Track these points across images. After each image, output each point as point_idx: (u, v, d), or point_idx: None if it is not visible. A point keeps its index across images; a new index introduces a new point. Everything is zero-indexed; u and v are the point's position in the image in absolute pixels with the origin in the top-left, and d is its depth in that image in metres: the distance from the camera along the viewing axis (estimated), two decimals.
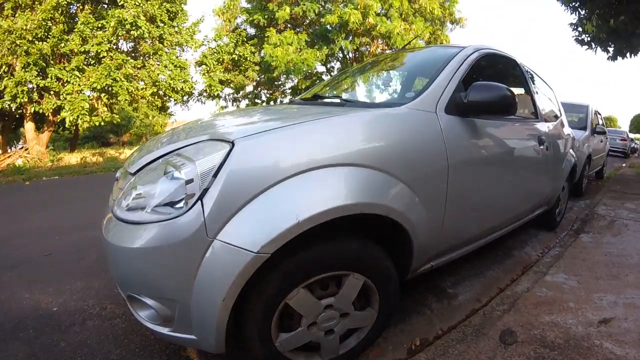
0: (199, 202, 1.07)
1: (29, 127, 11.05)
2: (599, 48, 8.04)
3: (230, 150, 1.10)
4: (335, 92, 2.24)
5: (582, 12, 7.84)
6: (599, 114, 6.97)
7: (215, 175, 1.08)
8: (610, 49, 7.97)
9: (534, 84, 2.85)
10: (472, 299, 2.02)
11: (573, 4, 7.77)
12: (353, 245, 1.28)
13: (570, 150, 3.41)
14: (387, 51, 15.10)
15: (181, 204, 1.10)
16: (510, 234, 2.51)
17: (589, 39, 7.98)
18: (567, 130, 3.44)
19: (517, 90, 2.68)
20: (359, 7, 13.03)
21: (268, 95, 18.00)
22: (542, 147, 2.41)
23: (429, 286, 2.13)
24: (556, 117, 3.22)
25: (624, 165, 11.85)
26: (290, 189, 1.11)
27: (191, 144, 1.23)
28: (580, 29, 7.97)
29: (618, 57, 7.94)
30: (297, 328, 1.27)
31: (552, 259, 2.58)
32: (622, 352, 1.49)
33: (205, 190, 1.07)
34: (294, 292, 1.19)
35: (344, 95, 2.14)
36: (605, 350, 1.50)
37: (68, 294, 2.11)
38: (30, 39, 9.09)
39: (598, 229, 3.36)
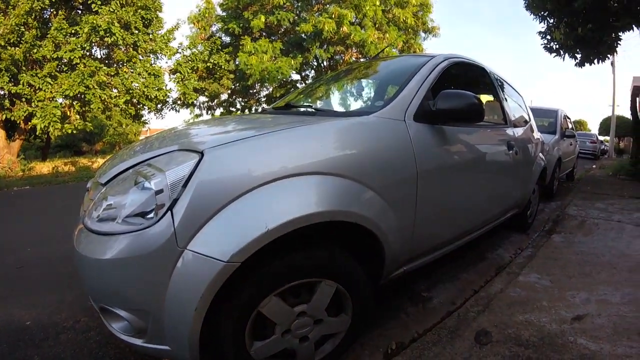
0: (169, 212, 1.07)
1: (0, 135, 10.69)
2: (567, 55, 8.36)
3: (200, 160, 1.11)
4: (307, 101, 2.27)
5: (551, 21, 8.16)
6: (568, 118, 7.22)
7: (184, 185, 1.08)
8: (578, 56, 8.30)
9: (503, 90, 2.95)
10: (447, 301, 2.05)
11: (542, 13, 8.07)
12: (324, 252, 1.30)
13: (540, 154, 3.53)
14: (361, 59, 15.32)
15: (152, 214, 1.10)
16: (482, 236, 2.57)
17: (557, 46, 8.29)
18: (536, 134, 3.56)
19: (487, 97, 2.77)
20: (333, 16, 13.17)
21: (243, 104, 17.94)
22: (511, 151, 2.50)
23: (404, 290, 2.16)
24: (525, 122, 3.33)
25: (594, 166, 12.30)
26: (259, 198, 1.13)
27: (162, 154, 1.23)
28: (548, 37, 8.27)
29: (585, 63, 8.27)
30: (271, 336, 1.27)
31: (525, 260, 2.65)
32: (596, 347, 1.53)
33: (175, 201, 1.08)
34: (267, 300, 1.20)
35: (316, 104, 2.17)
36: (579, 346, 1.54)
37: (41, 308, 2.06)
38: (3, 44, 8.84)
39: (569, 229, 3.47)
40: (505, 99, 2.90)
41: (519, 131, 2.87)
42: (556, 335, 1.63)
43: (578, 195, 5.44)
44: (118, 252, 1.10)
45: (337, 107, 2.22)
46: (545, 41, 8.41)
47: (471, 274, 2.45)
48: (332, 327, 1.41)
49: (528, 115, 3.54)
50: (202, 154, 1.13)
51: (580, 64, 8.37)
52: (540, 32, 8.44)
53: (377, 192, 1.38)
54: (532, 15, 8.26)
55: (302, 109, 2.02)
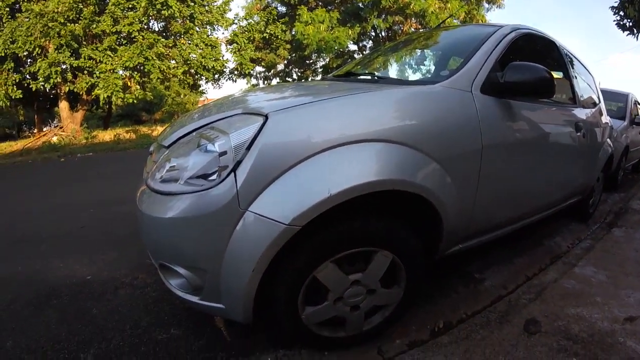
0: (232, 173, 1.08)
1: (63, 106, 11.44)
2: None
3: (264, 124, 1.11)
4: (368, 70, 2.20)
5: None
6: (639, 104, 6.60)
7: (248, 147, 1.09)
8: None
9: (573, 68, 2.72)
10: (499, 285, 1.98)
11: None
12: (383, 222, 1.27)
13: (608, 140, 3.25)
14: (421, 30, 14.74)
15: (214, 176, 1.11)
16: (541, 222, 2.44)
17: (630, 23, 7.53)
18: (605, 118, 3.28)
19: (556, 74, 2.57)
20: None
21: (299, 74, 17.92)
22: (578, 134, 2.31)
23: (456, 270, 2.11)
24: (595, 104, 3.07)
25: None
26: (322, 163, 1.11)
27: (225, 118, 1.24)
28: (621, 12, 7.52)
29: None
30: (323, 302, 1.28)
31: (582, 251, 2.51)
32: None
33: (239, 163, 1.09)
34: (323, 266, 1.20)
35: (377, 73, 2.10)
36: (628, 349, 1.46)
37: (101, 264, 2.21)
38: (62, 21, 9.30)
39: (631, 223, 3.24)
40: (575, 77, 2.68)
41: (587, 113, 2.65)
42: (606, 334, 1.55)
43: None
44: (180, 211, 1.13)
45: (398, 76, 2.14)
46: (618, 17, 7.65)
47: (526, 259, 2.34)
48: (383, 298, 1.40)
49: (598, 96, 3.26)
50: (266, 117, 1.12)
51: None
52: (612, 7, 7.70)
53: (440, 163, 1.33)
54: None
55: (363, 77, 1.96)
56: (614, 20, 7.71)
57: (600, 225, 3.21)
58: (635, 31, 7.56)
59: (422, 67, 2.26)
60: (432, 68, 2.14)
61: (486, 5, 15.62)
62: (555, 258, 2.39)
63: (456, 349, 1.44)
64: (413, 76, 2.24)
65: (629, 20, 7.45)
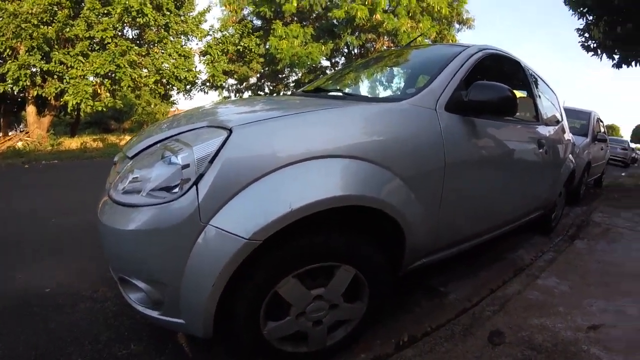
0: (194, 187, 1.07)
1: (30, 110, 11.00)
2: (604, 55, 8.00)
3: (228, 137, 1.10)
4: (337, 86, 2.24)
5: (590, 18, 7.80)
6: (601, 121, 6.95)
7: (211, 161, 1.08)
8: (616, 56, 7.94)
9: (537, 87, 2.84)
10: (463, 298, 2.02)
11: (581, 9, 7.72)
12: (345, 237, 1.28)
13: (570, 156, 3.41)
14: (393, 48, 15.08)
15: (176, 189, 1.10)
16: (504, 236, 2.51)
17: (595, 45, 7.94)
18: (567, 135, 3.43)
19: (520, 93, 2.67)
20: (366, 3, 13.02)
21: (271, 88, 17.95)
22: (541, 150, 2.41)
23: (420, 284, 2.13)
24: (558, 121, 3.21)
25: (623, 174, 11.85)
26: (285, 178, 1.11)
27: (190, 130, 1.23)
28: (587, 34, 7.93)
29: (623, 64, 7.92)
30: (285, 317, 1.27)
31: (545, 263, 2.58)
32: (609, 359, 1.49)
33: (201, 176, 1.08)
34: (285, 281, 1.20)
35: (346, 89, 2.14)
36: (592, 356, 1.50)
37: (62, 276, 2.12)
38: (36, 22, 9.01)
39: (593, 236, 3.37)
40: (539, 95, 2.80)
41: (550, 130, 2.77)
42: (570, 343, 1.59)
43: (604, 202, 5.25)
44: (141, 224, 1.11)
45: (366, 93, 2.18)
46: (583, 39, 8.07)
47: (490, 272, 2.40)
48: (347, 313, 1.40)
49: (561, 114, 3.41)
50: (230, 130, 1.12)
51: (618, 65, 8.02)
52: (578, 29, 8.10)
53: (403, 180, 1.35)
54: (571, 11, 7.91)
55: (331, 93, 1.99)
56: (579, 42, 8.11)
57: (562, 237, 3.32)
58: (599, 52, 7.97)
59: (390, 84, 2.31)
60: (401, 85, 2.19)
61: (457, 26, 16.18)
62: (518, 270, 2.45)
63: None
64: (382, 93, 2.28)
65: (593, 42, 7.85)
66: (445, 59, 1.82)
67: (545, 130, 2.64)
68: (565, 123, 3.44)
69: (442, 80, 1.66)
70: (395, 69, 2.34)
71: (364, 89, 2.21)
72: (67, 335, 1.58)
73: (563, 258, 2.72)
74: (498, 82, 1.67)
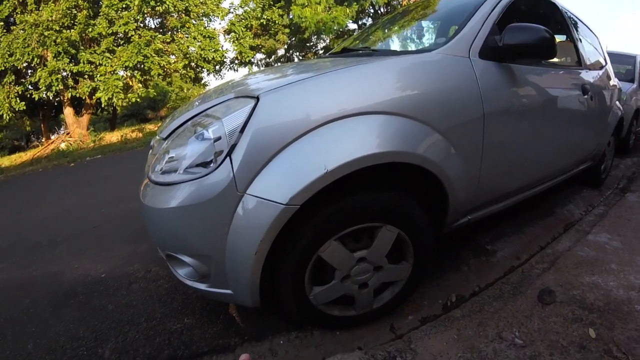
0: (228, 158, 1.07)
1: (68, 112, 11.52)
2: None
3: (255, 105, 1.09)
4: (364, 45, 2.15)
5: None
6: None
7: (242, 130, 1.07)
8: None
9: (576, 30, 2.62)
10: (511, 256, 1.95)
11: None
12: (386, 196, 1.25)
13: (617, 103, 3.15)
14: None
15: (211, 163, 1.11)
16: (552, 189, 2.39)
17: None
18: (613, 81, 3.17)
19: (559, 38, 2.48)
20: None
21: (300, 58, 17.69)
22: (586, 97, 2.24)
23: (466, 242, 2.08)
24: (601, 66, 2.97)
25: None
26: (318, 140, 1.09)
27: (219, 104, 1.23)
28: None
29: None
30: (330, 281, 1.27)
31: (596, 218, 2.46)
32: None
33: (233, 146, 1.07)
34: (326, 245, 1.19)
35: (374, 47, 2.05)
36: None
37: (115, 261, 2.24)
38: (58, 28, 9.29)
39: None
40: (579, 39, 2.59)
41: (594, 75, 2.56)
42: (622, 302, 1.50)
43: None
44: (180, 200, 1.13)
45: (398, 46, 2.08)
46: None
47: (538, 228, 2.29)
48: (392, 274, 1.39)
49: (604, 58, 3.15)
50: (257, 98, 1.10)
51: None
52: None
53: (441, 134, 1.29)
54: None
55: (359, 52, 1.91)
56: None
57: (613, 191, 3.13)
58: None
59: (420, 38, 2.20)
60: (430, 38, 2.08)
61: None
62: (568, 226, 2.34)
63: (469, 322, 1.43)
64: (410, 47, 2.17)
65: None
66: (474, 4, 1.70)
67: (589, 76, 2.44)
68: (609, 67, 3.18)
69: (473, 25, 1.55)
70: (423, 22, 2.22)
71: (392, 44, 2.11)
72: (123, 315, 1.67)
73: (614, 212, 2.57)
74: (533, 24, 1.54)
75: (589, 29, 3.06)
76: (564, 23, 2.47)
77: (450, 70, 1.40)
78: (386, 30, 2.26)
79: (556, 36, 2.44)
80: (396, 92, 1.24)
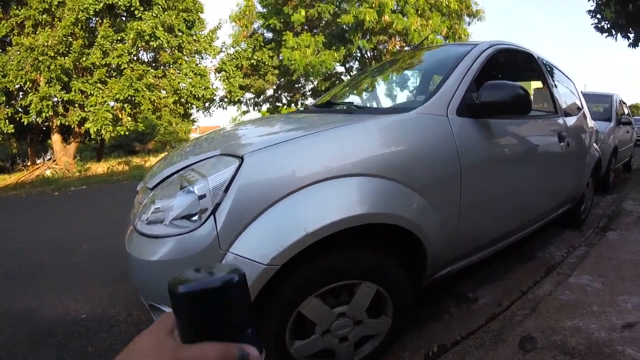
0: (212, 216, 1.10)
1: (55, 139, 11.42)
2: (619, 35, 7.74)
3: (240, 165, 1.13)
4: (349, 98, 2.24)
5: None
6: (624, 103, 6.70)
7: (226, 190, 1.10)
8: (631, 35, 7.67)
9: (552, 77, 2.76)
10: (493, 302, 1.97)
11: None
12: (364, 254, 1.28)
13: (594, 145, 3.29)
14: (405, 48, 14.97)
15: (196, 217, 1.13)
16: (533, 233, 2.44)
17: (608, 25, 7.68)
18: (589, 123, 3.32)
19: (535, 84, 2.61)
20: (374, 5, 12.94)
21: (289, 98, 18.01)
22: (562, 143, 2.34)
23: (448, 290, 2.09)
24: (577, 109, 3.11)
25: None
26: (298, 201, 1.13)
27: (205, 159, 1.27)
28: (598, 15, 7.68)
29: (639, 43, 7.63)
30: (311, 336, 1.28)
31: (577, 260, 2.51)
32: None
33: (217, 205, 1.10)
34: (307, 301, 1.20)
35: (356, 101, 2.13)
36: (627, 357, 1.45)
37: (96, 301, 2.20)
38: (52, 54, 9.34)
39: (625, 225, 3.25)
40: (555, 85, 2.72)
41: (570, 120, 2.68)
42: (604, 344, 1.54)
43: (635, 188, 5.05)
44: (165, 254, 1.15)
45: (380, 101, 2.17)
46: (596, 20, 7.81)
47: (520, 273, 2.33)
48: (372, 328, 1.40)
49: (580, 102, 3.30)
50: (242, 158, 1.14)
51: (634, 44, 7.73)
52: (589, 11, 7.85)
53: (417, 191, 1.34)
54: None
55: (341, 107, 1.98)
56: (592, 24, 7.85)
57: (594, 230, 3.21)
58: (613, 32, 7.69)
59: (401, 90, 2.29)
60: (411, 91, 2.17)
61: (467, 19, 15.85)
62: (549, 269, 2.38)
63: None
64: (393, 100, 2.26)
65: (606, 22, 7.58)
66: (454, 60, 1.79)
67: (565, 122, 2.56)
68: (586, 110, 3.33)
69: (451, 84, 1.64)
70: (404, 75, 2.32)
71: (376, 97, 2.19)
72: (103, 359, 1.64)
73: (595, 252, 2.63)
74: (510, 77, 1.64)
75: (564, 74, 3.22)
76: (540, 71, 2.60)
77: (428, 130, 1.46)
78: (369, 84, 2.35)
79: (533, 82, 2.58)
80: (374, 154, 1.29)
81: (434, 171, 1.42)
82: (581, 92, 3.63)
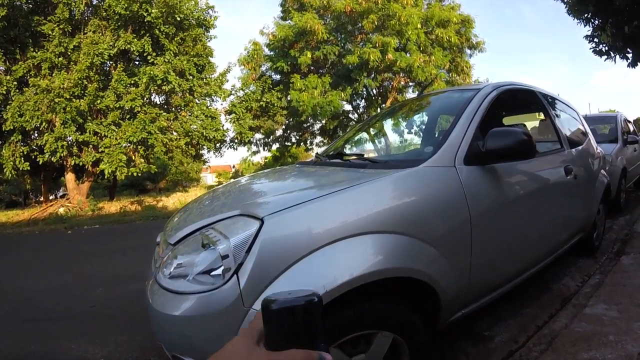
0: (235, 275, 1.15)
1: (69, 177, 11.69)
2: (617, 56, 7.88)
3: (260, 227, 1.19)
4: (357, 148, 2.31)
5: (596, 23, 7.74)
6: (629, 121, 6.73)
7: (247, 251, 1.16)
8: (629, 56, 7.80)
9: (555, 110, 2.82)
10: (509, 340, 1.97)
11: (585, 15, 7.69)
12: (380, 305, 1.32)
13: (602, 171, 3.30)
14: (410, 84, 15.25)
15: (219, 271, 1.18)
16: (547, 265, 2.44)
17: (606, 48, 7.84)
18: (595, 150, 3.34)
19: (539, 118, 2.66)
20: (377, 45, 13.29)
21: (297, 137, 18.41)
22: (569, 176, 2.37)
23: (464, 330, 2.09)
24: (582, 138, 3.15)
25: None
26: (316, 261, 1.18)
27: (225, 219, 1.34)
28: (596, 40, 7.86)
29: (638, 62, 7.74)
30: None
31: (592, 289, 2.50)
32: None
33: (240, 265, 1.16)
34: None
35: (366, 150, 2.18)
36: None
37: (113, 346, 2.23)
38: (68, 96, 9.70)
39: (639, 248, 3.21)
40: (558, 117, 2.78)
41: (575, 152, 2.72)
42: None
43: None
44: (189, 310, 1.20)
45: (389, 149, 2.22)
46: (594, 44, 7.98)
47: (535, 308, 2.32)
48: None
49: (584, 130, 3.34)
50: (262, 220, 1.20)
51: (633, 64, 7.84)
52: (587, 36, 8.04)
53: (429, 243, 1.39)
54: (575, 19, 7.89)
55: (353, 160, 2.06)
56: (590, 49, 8.01)
57: (608, 256, 3.19)
58: (611, 54, 7.84)
59: (407, 141, 2.37)
60: (417, 141, 2.24)
61: (468, 51, 16.21)
62: (565, 301, 2.38)
63: None
64: (400, 150, 2.34)
65: (603, 46, 7.74)
66: (459, 108, 1.86)
67: (570, 154, 2.60)
68: (590, 137, 3.36)
69: (457, 133, 1.70)
70: (411, 122, 2.40)
71: (383, 148, 2.27)
72: None
73: (609, 279, 2.62)
74: (514, 114, 1.69)
75: (567, 104, 3.28)
76: (542, 107, 2.67)
77: (437, 182, 1.53)
78: (378, 133, 2.44)
79: (538, 114, 2.63)
80: (386, 211, 1.36)
81: (444, 222, 1.47)
82: (585, 115, 3.67)
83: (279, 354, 0.38)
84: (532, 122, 2.85)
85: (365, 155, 2.07)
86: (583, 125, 3.40)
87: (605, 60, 8.02)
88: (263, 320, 0.40)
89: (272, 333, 0.40)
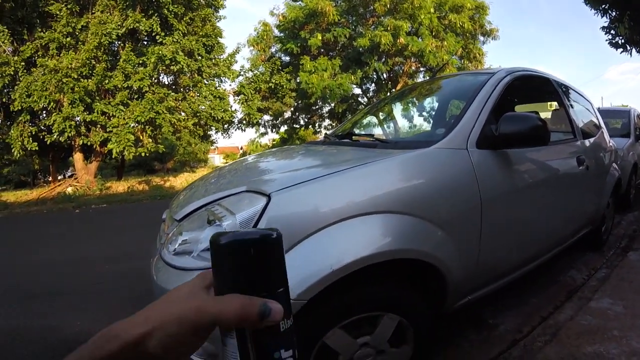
0: None
1: (77, 157, 11.77)
2: (634, 50, 7.67)
3: (267, 203, 1.17)
4: (367, 129, 2.27)
5: (613, 14, 7.52)
6: None
7: (254, 227, 1.15)
8: None
9: (569, 100, 2.76)
10: (513, 329, 1.96)
11: (603, 6, 7.47)
12: (386, 287, 1.31)
13: (613, 165, 3.25)
14: (421, 69, 15.03)
15: None
16: (555, 257, 2.41)
17: (622, 41, 7.63)
18: (608, 143, 3.28)
19: (552, 107, 2.60)
20: (388, 28, 13.10)
21: (306, 120, 18.29)
22: (581, 167, 2.32)
23: (468, 317, 2.08)
24: (595, 130, 3.09)
25: None
26: (323, 240, 1.16)
27: (231, 195, 1.31)
28: (612, 32, 7.64)
29: None
30: None
31: (598, 283, 2.48)
32: None
33: None
34: (331, 332, 1.23)
35: (376, 131, 2.15)
36: None
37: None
38: (76, 77, 9.70)
39: None
40: (572, 107, 2.71)
41: (588, 143, 2.67)
42: None
43: None
44: None
45: (400, 131, 2.19)
46: (610, 36, 7.77)
47: (541, 299, 2.30)
48: (394, 357, 1.41)
49: (598, 122, 3.27)
50: (269, 197, 1.18)
51: None
52: (603, 27, 7.82)
53: (438, 225, 1.37)
54: (592, 10, 7.66)
55: (363, 140, 2.03)
56: (606, 40, 7.81)
57: (615, 251, 3.16)
58: (628, 47, 7.63)
59: (418, 122, 2.33)
60: (428, 123, 2.20)
61: (481, 38, 15.94)
62: (570, 293, 2.36)
63: None
64: (410, 131, 2.30)
65: (620, 38, 7.54)
66: (472, 91, 1.82)
67: (583, 145, 2.55)
68: (604, 130, 3.30)
69: (470, 117, 1.66)
70: (423, 104, 2.36)
71: (394, 129, 2.23)
72: None
73: (616, 274, 2.60)
74: (528, 101, 1.65)
75: (581, 95, 3.20)
76: (557, 96, 2.61)
77: (449, 164, 1.50)
78: (389, 114, 2.40)
79: (551, 104, 2.58)
80: (396, 191, 1.33)
81: (454, 205, 1.44)
82: (598, 108, 3.60)
83: (215, 299, 0.33)
84: (544, 113, 2.79)
85: (376, 136, 2.03)
86: (597, 117, 3.34)
87: (621, 53, 7.83)
88: (211, 259, 0.34)
89: (217, 275, 0.33)
